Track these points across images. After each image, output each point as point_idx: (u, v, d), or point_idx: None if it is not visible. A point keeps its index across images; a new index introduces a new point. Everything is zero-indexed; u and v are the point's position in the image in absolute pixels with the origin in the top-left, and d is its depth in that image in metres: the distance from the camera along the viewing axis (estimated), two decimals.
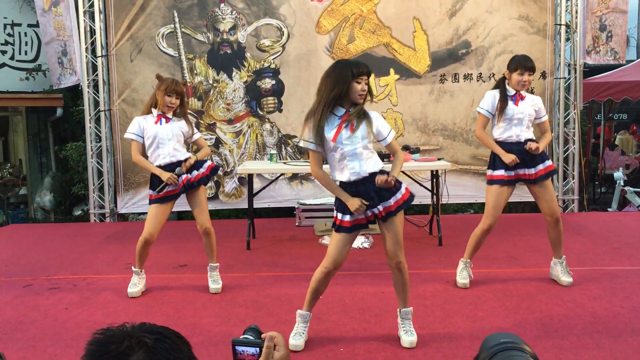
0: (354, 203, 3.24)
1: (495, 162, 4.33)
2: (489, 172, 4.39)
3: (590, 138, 11.02)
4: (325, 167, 3.45)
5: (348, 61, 3.40)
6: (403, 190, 3.37)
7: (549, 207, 4.30)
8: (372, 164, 3.34)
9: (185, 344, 1.29)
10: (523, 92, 4.30)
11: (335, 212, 3.41)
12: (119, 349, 1.20)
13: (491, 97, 4.36)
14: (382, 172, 3.33)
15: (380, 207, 3.30)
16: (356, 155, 3.29)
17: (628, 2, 7.64)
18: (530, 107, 4.28)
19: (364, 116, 3.31)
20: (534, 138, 4.36)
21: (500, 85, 4.37)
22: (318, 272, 3.41)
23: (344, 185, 3.34)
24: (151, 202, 4.36)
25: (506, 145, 4.28)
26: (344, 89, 3.23)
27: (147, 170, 4.39)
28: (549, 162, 4.32)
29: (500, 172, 4.28)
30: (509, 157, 4.21)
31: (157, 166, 4.31)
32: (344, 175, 3.33)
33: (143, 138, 4.33)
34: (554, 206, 4.31)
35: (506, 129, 4.30)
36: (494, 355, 1.16)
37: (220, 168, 7.65)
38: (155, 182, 4.31)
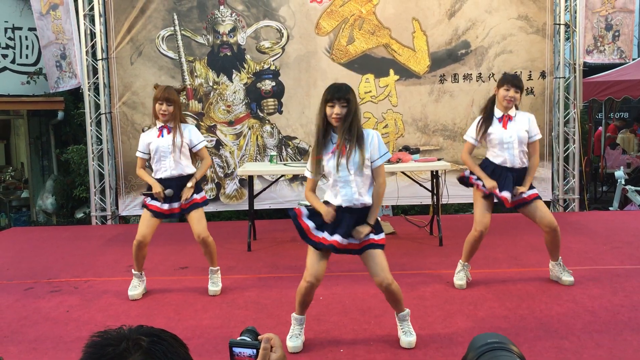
0: (325, 210, 3.27)
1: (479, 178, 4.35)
2: (472, 176, 4.39)
3: (591, 137, 11.00)
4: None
5: (328, 87, 3.35)
6: (380, 236, 3.37)
7: (545, 221, 4.27)
8: (365, 192, 3.33)
9: (182, 346, 1.29)
10: (512, 112, 4.27)
11: (305, 219, 3.40)
12: (116, 351, 1.21)
13: (476, 124, 4.40)
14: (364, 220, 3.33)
15: (340, 239, 3.28)
16: (348, 182, 3.29)
17: (635, 2, 7.67)
18: (520, 128, 4.25)
19: (357, 141, 3.29)
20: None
21: (488, 105, 4.37)
22: (301, 286, 3.41)
23: (337, 209, 3.33)
24: (143, 206, 4.43)
25: (497, 168, 4.29)
26: (323, 115, 3.29)
27: (147, 182, 4.44)
28: (532, 191, 4.28)
29: (479, 182, 4.32)
30: (490, 182, 4.23)
31: (157, 179, 4.36)
32: (337, 200, 3.35)
33: (149, 153, 4.40)
34: (549, 219, 4.27)
35: (498, 154, 4.30)
36: (481, 355, 1.17)
37: (221, 170, 7.67)
38: (149, 188, 4.39)
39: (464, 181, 4.51)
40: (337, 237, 3.28)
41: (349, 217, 3.30)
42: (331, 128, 3.33)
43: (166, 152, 4.31)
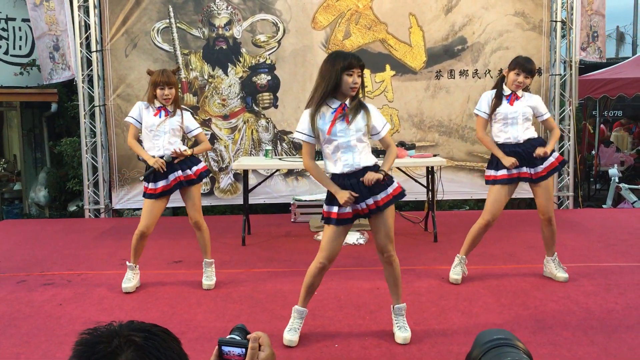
0: (343, 195, 3.22)
1: (497, 163, 4.30)
2: (491, 172, 4.34)
3: (586, 135, 11.03)
4: (320, 162, 3.44)
5: (340, 53, 3.33)
6: (395, 185, 3.36)
7: (543, 206, 4.30)
8: (366, 157, 3.33)
9: (175, 340, 1.27)
10: (519, 93, 4.29)
11: (324, 205, 3.40)
12: (107, 348, 1.18)
13: (486, 98, 4.38)
14: (375, 166, 3.32)
15: (370, 201, 3.28)
16: (350, 148, 3.28)
17: (605, 7, 7.93)
18: (525, 106, 4.26)
19: (360, 108, 3.30)
20: (538, 136, 4.38)
21: (498, 84, 4.37)
22: (312, 267, 3.40)
23: (337, 178, 3.33)
24: (145, 195, 4.34)
25: (506, 147, 4.28)
26: (335, 82, 3.22)
27: (138, 154, 4.38)
28: (551, 159, 4.27)
29: (503, 172, 4.27)
30: (508, 160, 4.21)
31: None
32: (337, 167, 3.32)
33: (141, 124, 4.32)
34: (548, 206, 4.30)
35: (502, 130, 4.30)
36: (487, 351, 1.16)
37: (216, 164, 7.64)
38: (146, 168, 4.32)
39: (490, 182, 4.39)
40: (357, 206, 3.27)
41: (357, 181, 3.27)
42: (332, 94, 3.28)
43: (161, 132, 4.26)
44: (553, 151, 4.33)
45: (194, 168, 4.34)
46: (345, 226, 3.37)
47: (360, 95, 3.35)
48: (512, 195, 4.39)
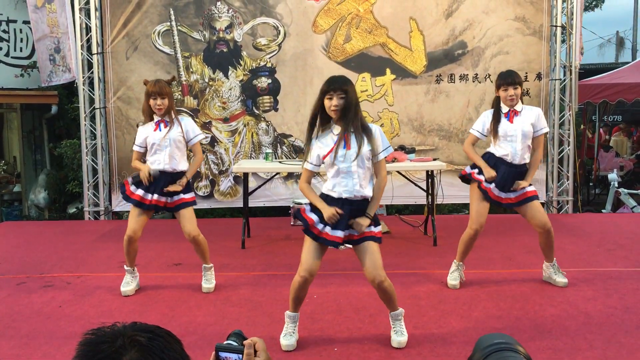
0: (328, 211, 3.25)
1: (479, 170, 4.36)
2: (473, 170, 4.39)
3: (585, 140, 11.05)
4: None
5: (327, 79, 3.35)
6: (378, 229, 3.39)
7: (538, 221, 4.29)
8: (366, 185, 3.34)
9: (177, 342, 1.28)
10: (518, 107, 4.29)
11: (306, 209, 3.41)
12: (111, 348, 1.19)
13: (483, 118, 4.42)
14: (364, 212, 3.33)
15: (341, 234, 3.30)
16: (350, 174, 3.29)
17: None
18: (526, 123, 4.25)
19: (362, 133, 3.30)
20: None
21: (495, 104, 4.38)
22: (295, 280, 3.40)
23: (332, 201, 3.33)
24: (130, 200, 4.31)
25: (498, 162, 4.30)
26: (320, 105, 3.29)
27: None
28: (531, 189, 4.30)
29: (481, 177, 4.31)
30: (489, 172, 4.25)
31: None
32: (335, 191, 3.33)
33: (145, 147, 4.34)
34: (542, 219, 4.28)
35: (501, 145, 4.31)
36: (488, 356, 1.16)
37: (216, 166, 7.65)
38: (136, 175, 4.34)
39: (466, 178, 4.48)
40: (338, 233, 3.28)
41: (348, 209, 3.29)
42: (331, 119, 3.32)
43: (161, 146, 4.27)
44: (530, 184, 4.34)
45: (177, 197, 4.32)
46: (321, 246, 3.37)
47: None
48: (489, 205, 4.39)
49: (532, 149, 4.34)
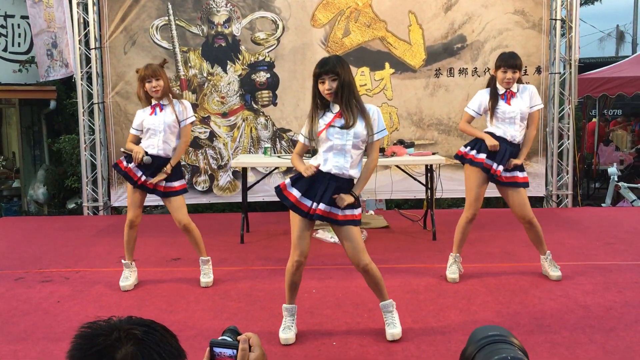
0: (307, 166, 3.27)
1: (481, 146, 4.29)
2: (472, 152, 4.33)
3: (584, 134, 11.04)
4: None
5: (318, 62, 3.32)
6: (358, 211, 3.35)
7: (518, 211, 4.27)
8: (355, 166, 3.33)
9: (173, 336, 1.29)
10: (514, 88, 4.28)
11: (286, 181, 3.40)
12: (107, 341, 1.19)
13: (479, 97, 4.38)
14: (349, 190, 3.31)
15: (326, 208, 3.26)
16: (343, 152, 3.28)
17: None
18: (523, 104, 4.25)
19: (359, 113, 3.29)
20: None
21: (491, 84, 4.36)
22: (289, 265, 3.41)
23: (320, 174, 3.30)
24: (126, 177, 4.31)
25: (498, 139, 4.27)
26: (316, 89, 3.28)
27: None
28: (517, 174, 4.27)
29: (482, 156, 4.27)
30: (491, 141, 4.21)
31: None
32: (326, 165, 3.31)
33: (141, 130, 4.34)
34: (524, 210, 4.26)
35: (498, 126, 4.29)
36: (482, 348, 1.16)
37: (215, 161, 7.63)
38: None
39: (463, 158, 4.40)
40: (322, 206, 3.26)
41: (334, 185, 3.28)
42: (329, 101, 3.31)
43: (156, 131, 4.26)
44: (524, 170, 4.32)
45: (168, 184, 4.31)
46: (309, 222, 3.35)
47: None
48: (487, 185, 4.37)
49: (526, 126, 4.33)
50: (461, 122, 4.49)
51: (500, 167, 4.22)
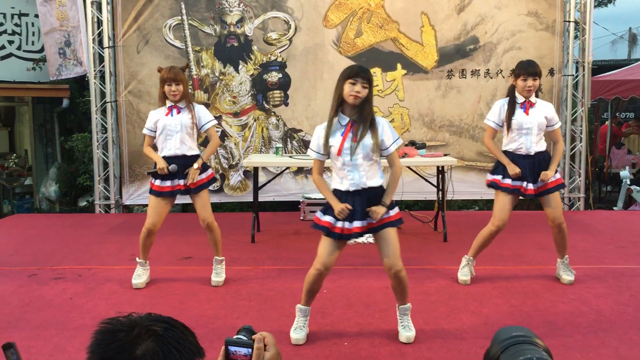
0: (338, 206, 3.26)
1: (504, 171, 4.27)
2: (497, 177, 4.31)
3: (597, 136, 10.97)
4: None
5: (349, 66, 3.39)
6: (396, 210, 3.38)
7: (551, 214, 4.27)
8: (373, 176, 3.33)
9: (192, 334, 1.30)
10: (533, 99, 4.25)
11: (317, 212, 3.43)
12: (127, 337, 1.20)
13: (498, 108, 4.34)
14: (380, 188, 3.34)
15: (360, 224, 3.30)
16: (356, 166, 3.29)
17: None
18: (541, 115, 4.22)
19: (369, 125, 3.29)
20: (546, 151, 4.33)
21: (510, 93, 4.32)
22: (310, 273, 3.40)
23: (340, 194, 3.33)
24: (151, 191, 4.36)
25: (515, 157, 4.25)
26: (340, 91, 3.26)
27: (151, 159, 4.40)
28: (556, 176, 4.27)
29: (507, 181, 4.25)
30: (513, 169, 4.19)
31: (162, 157, 4.31)
32: (343, 184, 3.33)
33: (156, 131, 4.34)
34: (556, 213, 4.25)
35: (515, 139, 4.26)
36: (506, 348, 1.15)
37: (226, 161, 7.65)
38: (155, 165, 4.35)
39: (492, 185, 4.37)
40: (357, 224, 3.29)
41: (360, 199, 3.29)
42: (340, 109, 3.31)
43: (172, 132, 4.28)
44: (557, 171, 4.32)
45: (204, 173, 4.38)
46: (339, 242, 3.36)
47: (375, 108, 3.36)
48: (517, 201, 4.38)
49: (553, 143, 4.37)
50: (485, 138, 4.44)
51: (530, 185, 4.21)
